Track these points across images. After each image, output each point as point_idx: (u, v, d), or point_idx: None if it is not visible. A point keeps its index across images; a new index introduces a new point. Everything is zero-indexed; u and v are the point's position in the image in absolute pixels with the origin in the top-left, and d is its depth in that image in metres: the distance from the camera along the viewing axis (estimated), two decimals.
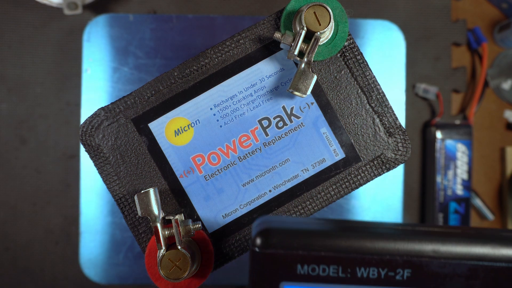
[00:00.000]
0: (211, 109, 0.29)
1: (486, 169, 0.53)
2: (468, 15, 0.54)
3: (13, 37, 0.51)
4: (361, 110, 0.29)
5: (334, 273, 0.20)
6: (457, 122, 0.51)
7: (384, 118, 0.29)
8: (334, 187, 0.29)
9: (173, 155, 0.29)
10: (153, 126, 0.29)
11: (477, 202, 0.52)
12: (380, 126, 0.29)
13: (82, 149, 0.50)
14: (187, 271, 0.26)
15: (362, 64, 0.29)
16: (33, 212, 0.51)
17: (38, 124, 0.51)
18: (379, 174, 0.29)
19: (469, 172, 0.50)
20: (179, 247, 0.26)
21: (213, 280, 0.48)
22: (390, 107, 0.29)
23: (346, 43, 0.29)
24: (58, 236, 0.51)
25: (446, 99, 0.52)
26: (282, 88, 0.29)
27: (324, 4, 0.27)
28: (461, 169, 0.50)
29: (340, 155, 0.29)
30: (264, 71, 0.29)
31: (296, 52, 0.26)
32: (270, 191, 0.29)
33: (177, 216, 0.28)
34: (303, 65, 0.27)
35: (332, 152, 0.29)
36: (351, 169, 0.29)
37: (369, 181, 0.29)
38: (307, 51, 0.27)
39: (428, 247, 0.20)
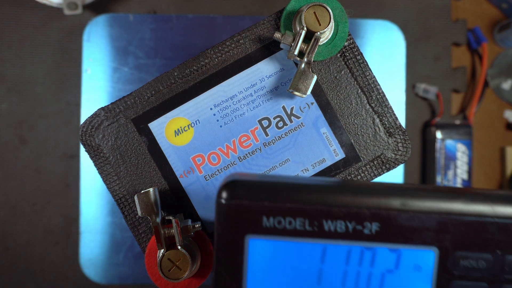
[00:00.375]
0: (211, 109, 0.29)
1: (486, 169, 0.53)
2: (468, 15, 0.54)
3: (13, 37, 0.51)
4: (361, 110, 0.29)
5: (301, 226, 0.20)
6: (457, 122, 0.51)
7: (384, 118, 0.29)
8: None
9: (173, 155, 0.29)
10: (153, 126, 0.29)
11: None
12: (380, 126, 0.29)
13: (82, 149, 0.50)
14: (187, 271, 0.26)
15: (362, 64, 0.29)
16: (33, 212, 0.51)
17: (38, 124, 0.51)
18: (379, 174, 0.29)
19: (469, 172, 0.50)
20: (179, 247, 0.26)
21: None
22: (390, 107, 0.29)
23: (346, 43, 0.29)
24: (58, 236, 0.51)
25: (446, 99, 0.52)
26: (282, 88, 0.29)
27: (324, 4, 0.27)
28: (461, 169, 0.50)
29: (340, 155, 0.29)
30: (264, 71, 0.29)
31: (296, 52, 0.26)
32: None
33: (177, 216, 0.28)
34: (303, 65, 0.27)
35: (332, 152, 0.29)
36: (351, 169, 0.29)
37: (369, 181, 0.29)
38: (307, 51, 0.27)
39: (396, 200, 0.19)
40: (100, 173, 0.29)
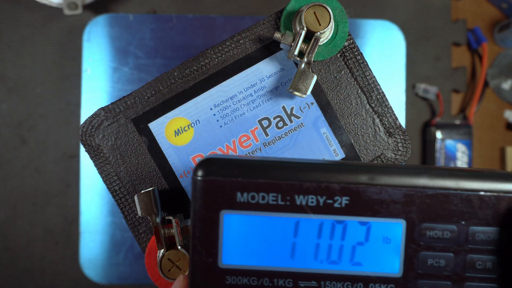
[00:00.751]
0: (211, 109, 0.29)
1: None
2: (468, 15, 0.54)
3: (13, 37, 0.51)
4: (361, 110, 0.29)
5: (274, 200, 0.20)
6: (457, 122, 0.51)
7: (384, 118, 0.29)
8: None
9: (173, 155, 0.29)
10: (153, 126, 0.29)
11: None
12: (380, 126, 0.29)
13: (82, 149, 0.50)
14: (187, 271, 0.26)
15: (362, 64, 0.29)
16: (33, 212, 0.51)
17: (38, 124, 0.51)
18: None
19: None
20: (179, 247, 0.26)
21: None
22: (390, 107, 0.29)
23: (346, 43, 0.29)
24: (58, 236, 0.51)
25: (446, 99, 0.52)
26: (282, 88, 0.29)
27: (324, 4, 0.27)
28: None
29: (340, 155, 0.29)
30: (264, 71, 0.29)
31: (296, 52, 0.26)
32: None
33: (177, 216, 0.28)
34: (303, 65, 0.27)
35: (332, 152, 0.29)
36: None
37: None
38: (307, 51, 0.27)
39: (364, 175, 0.20)
40: (100, 173, 0.29)
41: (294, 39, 0.27)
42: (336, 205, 0.20)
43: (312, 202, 0.20)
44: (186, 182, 0.29)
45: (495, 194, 0.20)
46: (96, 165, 0.29)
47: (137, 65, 0.49)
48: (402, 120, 0.50)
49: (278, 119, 0.29)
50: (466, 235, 0.20)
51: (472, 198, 0.20)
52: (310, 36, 0.27)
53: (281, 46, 0.27)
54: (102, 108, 0.29)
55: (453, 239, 0.21)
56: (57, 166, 0.51)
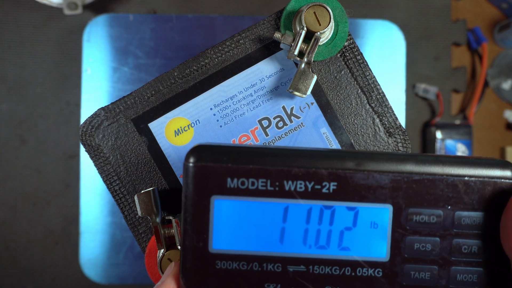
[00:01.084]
0: (211, 109, 0.29)
1: None
2: (468, 15, 0.54)
3: (13, 37, 0.51)
4: (361, 110, 0.29)
5: (263, 186, 0.21)
6: (457, 122, 0.51)
7: (384, 118, 0.29)
8: None
9: (173, 155, 0.29)
10: (153, 126, 0.29)
11: None
12: (380, 126, 0.29)
13: (82, 149, 0.50)
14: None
15: (362, 64, 0.29)
16: (33, 212, 0.51)
17: (38, 124, 0.51)
18: None
19: None
20: (179, 247, 0.26)
21: None
22: (390, 107, 0.29)
23: (346, 43, 0.29)
24: (58, 236, 0.51)
25: (446, 99, 0.52)
26: (282, 88, 0.29)
27: (324, 4, 0.27)
28: None
29: None
30: (264, 71, 0.29)
31: (296, 52, 0.26)
32: None
33: (177, 216, 0.28)
34: (303, 65, 0.27)
35: None
36: None
37: None
38: (307, 51, 0.27)
39: (352, 161, 0.21)
40: (100, 173, 0.29)
41: (294, 39, 0.27)
42: (324, 190, 0.21)
43: (300, 187, 0.21)
44: None
45: (480, 179, 0.20)
46: (96, 165, 0.29)
47: (137, 65, 0.49)
48: (402, 120, 0.50)
49: (278, 119, 0.29)
50: (452, 219, 0.21)
51: (457, 183, 0.21)
52: (310, 36, 0.27)
53: (281, 46, 0.27)
54: (102, 108, 0.29)
55: (439, 224, 0.21)
56: (57, 166, 0.51)
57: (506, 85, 0.53)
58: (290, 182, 0.21)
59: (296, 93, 0.27)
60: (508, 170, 0.21)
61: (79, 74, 0.50)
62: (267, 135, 0.29)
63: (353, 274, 0.21)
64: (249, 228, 0.21)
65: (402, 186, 0.21)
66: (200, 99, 0.29)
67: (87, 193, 0.48)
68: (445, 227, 0.21)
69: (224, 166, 0.21)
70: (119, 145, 0.29)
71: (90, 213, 0.48)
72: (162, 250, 0.26)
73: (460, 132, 0.50)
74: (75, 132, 0.51)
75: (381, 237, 0.21)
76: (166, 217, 0.28)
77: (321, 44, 0.28)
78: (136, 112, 0.29)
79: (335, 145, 0.29)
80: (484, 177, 0.21)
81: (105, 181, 0.29)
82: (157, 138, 0.29)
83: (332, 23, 0.27)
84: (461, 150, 0.50)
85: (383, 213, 0.21)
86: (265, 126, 0.29)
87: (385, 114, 0.29)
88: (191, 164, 0.21)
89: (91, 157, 0.29)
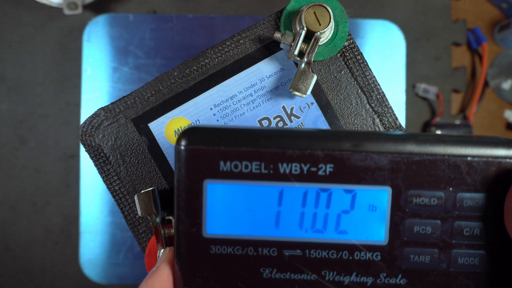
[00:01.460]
0: (211, 109, 0.29)
1: None
2: (468, 15, 0.54)
3: (13, 37, 0.51)
4: (361, 110, 0.29)
5: (257, 169, 0.20)
6: (457, 122, 0.51)
7: (384, 118, 0.29)
8: None
9: (173, 155, 0.29)
10: (153, 126, 0.29)
11: None
12: (380, 126, 0.29)
13: (82, 149, 0.50)
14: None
15: (362, 64, 0.29)
16: (33, 212, 0.51)
17: (38, 124, 0.51)
18: None
19: None
20: None
21: None
22: (390, 107, 0.29)
23: (346, 43, 0.29)
24: (58, 236, 0.51)
25: (446, 99, 0.52)
26: (282, 88, 0.29)
27: (324, 4, 0.27)
28: None
29: None
30: (264, 71, 0.29)
31: (296, 52, 0.26)
32: None
33: None
34: (303, 65, 0.27)
35: None
36: None
37: None
38: (307, 51, 0.27)
39: (349, 142, 0.20)
40: (100, 173, 0.29)
41: (294, 39, 0.27)
42: (320, 172, 0.20)
43: (296, 170, 0.20)
44: None
45: (484, 159, 0.20)
46: (96, 165, 0.29)
47: (137, 65, 0.49)
48: (402, 120, 0.50)
49: (278, 119, 0.29)
50: (454, 201, 0.20)
51: (460, 164, 0.20)
52: (310, 36, 0.27)
53: (281, 46, 0.27)
54: (102, 108, 0.29)
55: (440, 206, 0.20)
56: (57, 166, 0.51)
57: (506, 85, 0.53)
58: (285, 165, 0.20)
59: (296, 93, 0.27)
60: None
61: (79, 74, 0.50)
62: None
63: (350, 258, 0.21)
64: (244, 212, 0.20)
65: (401, 167, 0.20)
66: (200, 99, 0.29)
67: (87, 193, 0.48)
68: (446, 209, 0.20)
69: (216, 149, 0.20)
70: (119, 145, 0.29)
71: (90, 213, 0.48)
72: (162, 250, 0.26)
73: (460, 132, 0.50)
74: (75, 132, 0.51)
75: (379, 220, 0.20)
76: (166, 217, 0.28)
77: (321, 44, 0.28)
78: (136, 112, 0.29)
79: None
80: (487, 156, 0.20)
81: (105, 181, 0.29)
82: (157, 138, 0.29)
83: (332, 23, 0.27)
84: None
85: (382, 195, 0.20)
86: (265, 126, 0.29)
87: (385, 114, 0.29)
88: (182, 147, 0.20)
89: (91, 157, 0.29)
